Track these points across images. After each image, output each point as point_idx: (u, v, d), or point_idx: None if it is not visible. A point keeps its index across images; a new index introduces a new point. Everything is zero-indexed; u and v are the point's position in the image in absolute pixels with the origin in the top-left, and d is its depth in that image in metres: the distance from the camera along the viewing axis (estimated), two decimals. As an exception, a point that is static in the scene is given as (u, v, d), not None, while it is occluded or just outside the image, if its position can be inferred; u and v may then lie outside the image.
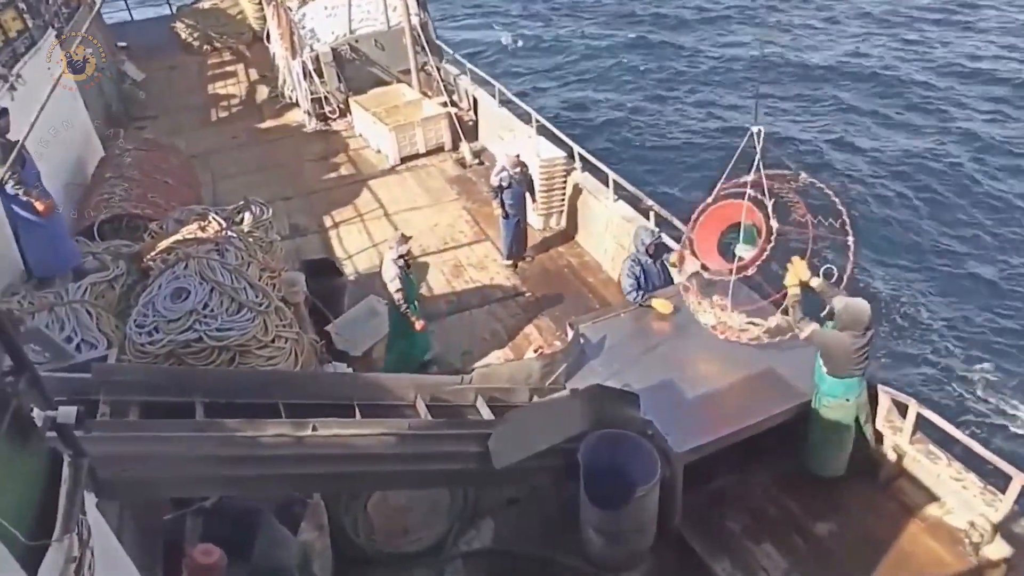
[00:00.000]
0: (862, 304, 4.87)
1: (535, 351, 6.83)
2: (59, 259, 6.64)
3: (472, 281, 8.48)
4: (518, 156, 8.24)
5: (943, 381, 9.08)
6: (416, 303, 6.79)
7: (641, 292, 6.24)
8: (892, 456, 5.19)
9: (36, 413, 2.41)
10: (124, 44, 17.10)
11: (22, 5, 9.42)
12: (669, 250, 6.77)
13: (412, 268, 6.69)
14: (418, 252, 9.10)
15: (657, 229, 6.85)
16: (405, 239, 6.59)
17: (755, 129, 5.02)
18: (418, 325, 6.70)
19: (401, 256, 6.49)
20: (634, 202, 8.23)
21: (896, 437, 5.11)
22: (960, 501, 4.79)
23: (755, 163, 5.17)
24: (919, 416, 4.93)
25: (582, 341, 5.94)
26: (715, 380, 5.44)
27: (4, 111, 6.19)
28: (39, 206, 6.32)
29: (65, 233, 6.88)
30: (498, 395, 5.25)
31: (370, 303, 7.69)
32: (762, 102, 16.52)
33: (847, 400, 4.96)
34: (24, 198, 6.23)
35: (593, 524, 4.83)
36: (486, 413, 4.99)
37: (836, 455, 5.20)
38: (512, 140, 9.48)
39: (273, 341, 5.59)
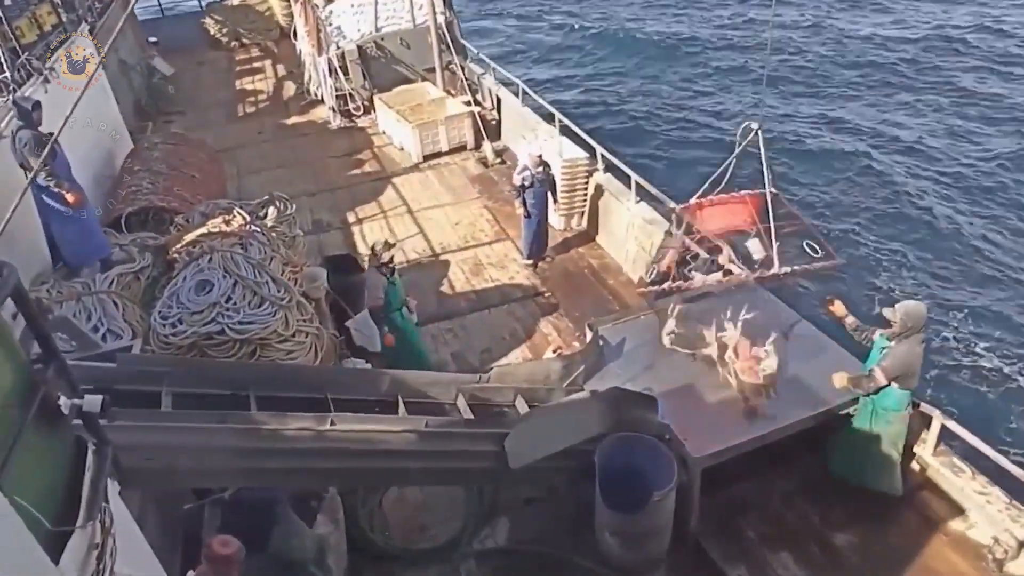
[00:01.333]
0: (917, 303, 4.82)
1: (554, 351, 6.82)
2: (89, 250, 6.75)
3: (492, 280, 8.49)
4: (540, 156, 8.23)
5: (968, 392, 8.91)
6: (403, 311, 6.58)
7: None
8: (915, 467, 5.11)
9: (63, 401, 2.44)
10: (154, 39, 17.35)
11: (57, 0, 9.61)
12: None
13: (397, 274, 6.51)
14: (439, 250, 9.14)
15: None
16: (388, 246, 6.39)
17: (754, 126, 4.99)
18: (386, 340, 6.43)
19: (383, 264, 6.33)
20: (657, 205, 8.17)
21: (919, 448, 5.04)
22: (984, 516, 4.70)
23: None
24: (943, 428, 4.85)
25: (601, 343, 5.92)
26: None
27: (37, 104, 6.30)
28: (70, 198, 6.42)
29: (95, 225, 6.99)
30: (536, 395, 5.27)
31: (390, 300, 7.72)
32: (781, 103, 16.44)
33: (906, 411, 4.92)
34: (56, 190, 6.34)
35: (609, 527, 4.81)
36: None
37: (897, 469, 5.07)
38: (535, 139, 9.46)
39: (294, 335, 5.64)
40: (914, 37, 19.80)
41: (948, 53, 18.64)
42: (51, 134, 5.35)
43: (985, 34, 19.59)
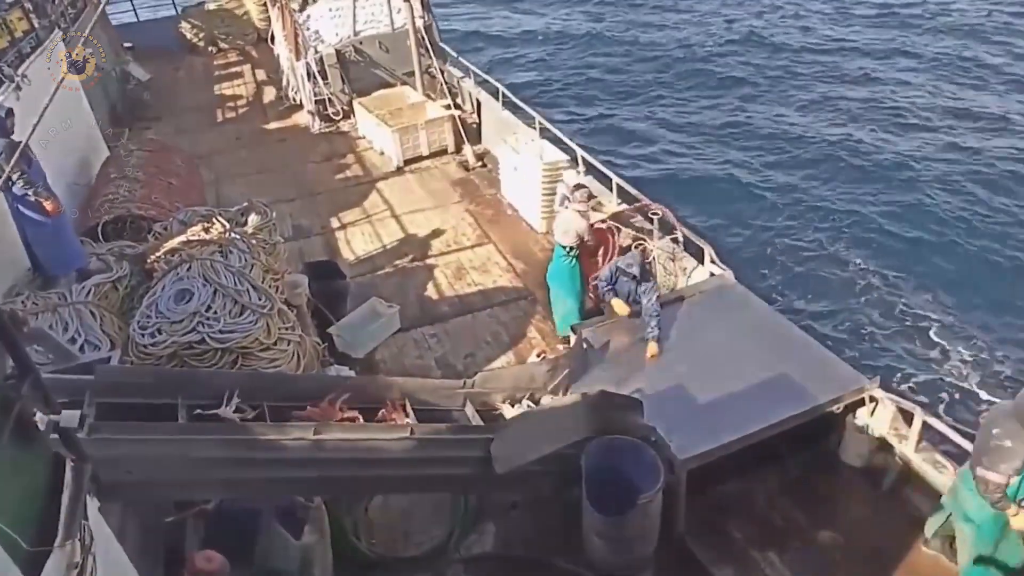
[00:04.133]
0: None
1: (538, 355, 6.82)
2: (66, 259, 6.64)
3: (475, 284, 8.47)
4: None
5: (950, 388, 9.04)
6: None
7: (610, 289, 6.31)
8: (897, 464, 5.16)
9: (39, 417, 2.39)
10: (130, 45, 17.13)
11: (28, 5, 9.45)
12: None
13: None
14: (421, 254, 9.10)
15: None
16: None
17: None
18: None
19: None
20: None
21: (901, 445, 5.09)
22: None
23: None
24: (924, 424, 4.90)
25: (585, 346, 5.92)
26: (721, 385, 5.39)
27: (9, 111, 6.19)
28: (48, 206, 6.31)
29: (71, 233, 6.88)
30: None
31: (372, 305, 7.68)
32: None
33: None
34: (32, 198, 6.23)
35: (595, 530, 4.80)
36: None
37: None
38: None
39: (276, 343, 5.58)
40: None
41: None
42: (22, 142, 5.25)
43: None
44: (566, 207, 7.45)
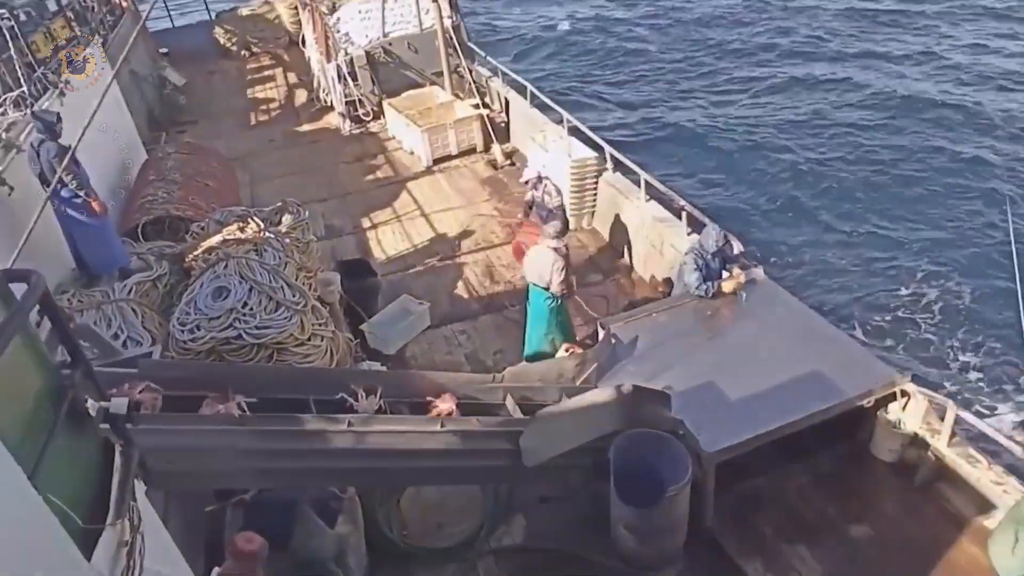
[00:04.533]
0: None
1: (566, 350, 6.85)
2: (110, 259, 6.90)
3: (504, 281, 8.54)
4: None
5: (984, 381, 8.87)
6: None
7: (708, 284, 6.12)
8: (930, 459, 5.10)
9: (90, 404, 2.52)
10: (165, 50, 17.58)
11: (70, 14, 9.78)
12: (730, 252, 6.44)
13: None
14: (451, 253, 9.21)
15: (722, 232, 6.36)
16: None
17: None
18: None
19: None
20: (667, 203, 8.19)
21: (934, 440, 5.03)
22: (1001, 506, 4.68)
23: None
24: (957, 418, 4.85)
25: (613, 341, 5.95)
26: (750, 379, 5.35)
27: (59, 116, 6.43)
28: (96, 207, 6.56)
29: (114, 234, 7.13)
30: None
31: (403, 303, 7.80)
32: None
33: None
34: (81, 199, 6.47)
35: (624, 523, 4.83)
36: None
37: None
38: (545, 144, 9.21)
39: (309, 339, 5.73)
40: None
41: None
42: (71, 146, 5.46)
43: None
44: (540, 239, 6.71)
